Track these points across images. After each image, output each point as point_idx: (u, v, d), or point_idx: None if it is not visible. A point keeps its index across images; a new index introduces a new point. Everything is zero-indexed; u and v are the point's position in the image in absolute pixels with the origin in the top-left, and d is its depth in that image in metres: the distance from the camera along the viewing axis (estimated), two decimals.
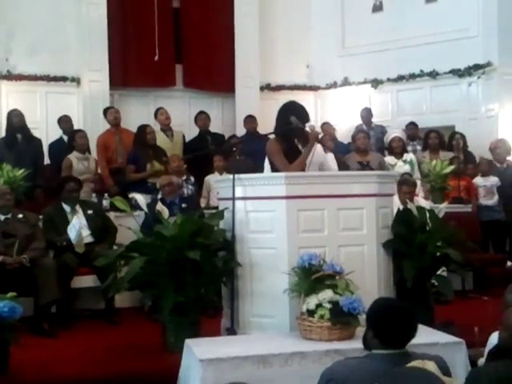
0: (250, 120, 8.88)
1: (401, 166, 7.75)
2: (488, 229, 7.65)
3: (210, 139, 8.46)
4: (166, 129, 8.27)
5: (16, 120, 7.56)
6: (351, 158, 7.62)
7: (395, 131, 8.40)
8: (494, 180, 7.91)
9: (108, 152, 7.82)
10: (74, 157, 7.29)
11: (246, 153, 7.80)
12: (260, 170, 5.26)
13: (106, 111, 8.26)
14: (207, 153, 7.84)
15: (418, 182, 7.54)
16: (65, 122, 8.16)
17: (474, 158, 8.53)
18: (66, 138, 7.89)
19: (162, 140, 7.98)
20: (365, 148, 7.67)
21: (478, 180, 7.97)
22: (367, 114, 9.24)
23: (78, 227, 5.91)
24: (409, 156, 8.03)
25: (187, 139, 8.63)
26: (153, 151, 7.47)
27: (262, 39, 9.90)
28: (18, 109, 7.77)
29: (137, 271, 4.49)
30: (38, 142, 7.80)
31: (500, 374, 2.47)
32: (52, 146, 8.05)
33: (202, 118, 8.71)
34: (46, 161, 7.94)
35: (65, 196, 6.15)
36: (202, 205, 7.23)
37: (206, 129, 8.69)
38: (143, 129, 7.62)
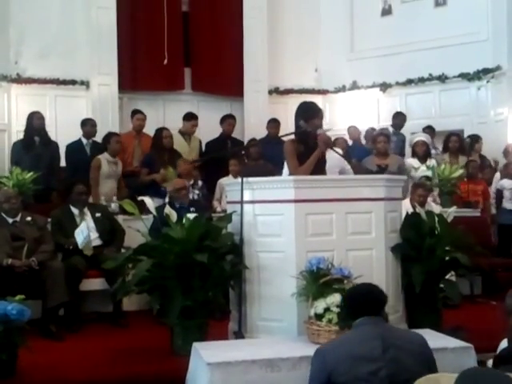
0: (273, 124, 8.79)
1: (424, 171, 7.61)
2: (508, 233, 7.57)
3: (229, 143, 8.40)
4: (185, 133, 8.23)
5: (37, 122, 7.60)
6: (370, 161, 7.48)
7: (420, 135, 8.22)
8: None
9: (124, 155, 7.81)
10: (104, 158, 7.22)
11: (266, 156, 7.75)
12: (279, 173, 5.23)
13: (133, 114, 8.24)
14: (215, 157, 7.77)
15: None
16: (90, 126, 7.90)
17: (489, 162, 8.44)
18: (85, 140, 7.80)
19: (179, 143, 7.95)
20: (385, 151, 7.50)
21: (505, 182, 7.85)
22: (401, 121, 8.96)
23: (86, 233, 5.91)
24: (432, 162, 7.82)
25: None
26: (168, 156, 7.40)
27: (270, 43, 9.93)
28: (39, 111, 7.80)
29: (143, 274, 4.50)
30: (55, 145, 7.81)
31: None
32: (69, 147, 7.88)
33: (230, 123, 8.64)
34: (61, 164, 7.91)
35: (73, 199, 6.15)
36: (218, 209, 7.07)
37: (230, 133, 8.63)
38: (160, 132, 7.61)
